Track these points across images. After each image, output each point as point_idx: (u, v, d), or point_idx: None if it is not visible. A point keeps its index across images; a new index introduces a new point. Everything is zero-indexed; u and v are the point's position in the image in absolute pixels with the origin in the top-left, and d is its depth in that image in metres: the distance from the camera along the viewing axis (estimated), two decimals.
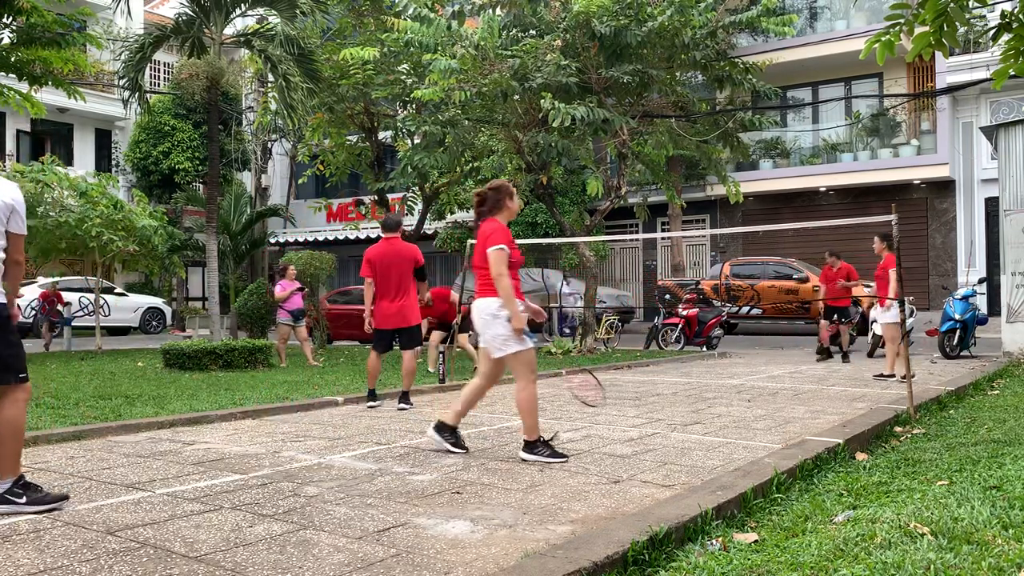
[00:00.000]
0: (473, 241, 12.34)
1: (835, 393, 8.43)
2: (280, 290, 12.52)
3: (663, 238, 23.69)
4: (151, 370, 11.12)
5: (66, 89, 14.05)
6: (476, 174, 16.70)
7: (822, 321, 12.81)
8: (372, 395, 7.74)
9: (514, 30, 13.82)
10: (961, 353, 12.45)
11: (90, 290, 19.18)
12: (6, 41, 13.14)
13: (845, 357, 12.39)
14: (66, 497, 4.01)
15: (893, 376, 9.51)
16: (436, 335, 11.07)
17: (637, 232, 23.79)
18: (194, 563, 3.13)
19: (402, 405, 7.54)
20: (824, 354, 12.62)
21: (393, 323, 7.57)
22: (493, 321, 4.97)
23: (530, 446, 5.03)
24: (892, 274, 9.52)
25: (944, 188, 20.64)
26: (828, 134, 21.97)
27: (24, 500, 3.83)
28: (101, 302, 18.90)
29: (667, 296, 17.80)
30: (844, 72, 21.42)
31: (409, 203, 17.20)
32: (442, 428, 5.35)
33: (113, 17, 17.67)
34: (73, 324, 17.76)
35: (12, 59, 13.29)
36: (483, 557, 3.18)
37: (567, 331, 16.98)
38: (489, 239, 4.96)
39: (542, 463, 4.91)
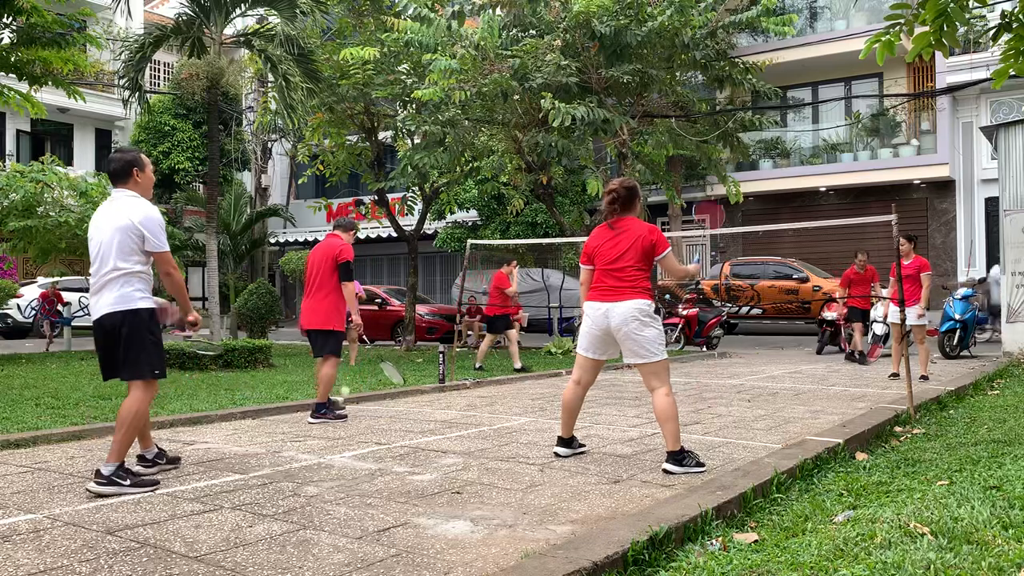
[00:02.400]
0: (474, 241, 12.36)
1: (835, 393, 8.43)
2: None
3: None
4: None
5: (66, 89, 14.04)
6: (476, 174, 16.72)
7: (856, 325, 12.11)
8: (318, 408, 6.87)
9: (514, 30, 13.81)
10: (961, 353, 12.45)
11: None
12: (6, 41, 13.13)
13: (862, 358, 11.97)
14: (157, 482, 4.43)
15: (926, 378, 9.22)
16: (512, 332, 11.45)
17: None
18: (194, 563, 3.14)
19: (311, 419, 6.74)
20: (858, 358, 11.99)
21: (305, 322, 6.86)
22: (649, 324, 4.75)
23: (676, 457, 4.68)
24: (925, 278, 9.44)
25: (944, 188, 20.63)
26: (828, 134, 21.97)
27: (128, 483, 4.29)
28: None
29: (667, 296, 17.80)
30: (844, 72, 21.42)
31: (409, 203, 17.19)
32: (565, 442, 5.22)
33: (113, 17, 17.67)
34: (73, 324, 17.75)
35: (12, 59, 13.27)
36: (483, 557, 3.18)
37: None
38: (659, 243, 4.82)
39: (690, 474, 4.62)
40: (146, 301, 4.45)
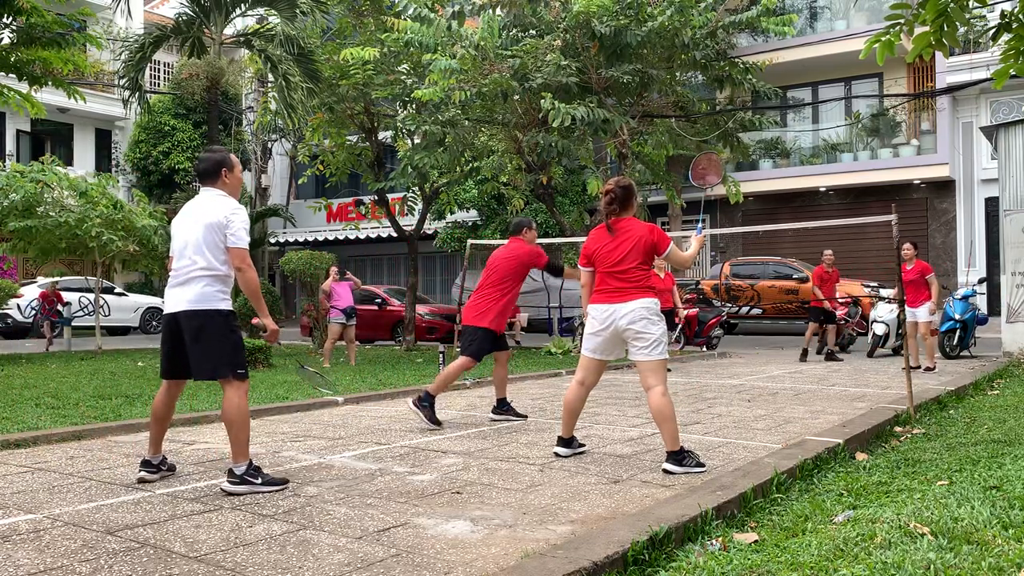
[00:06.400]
0: (475, 241, 12.36)
1: (835, 393, 8.43)
2: (336, 297, 12.21)
3: None
4: (151, 370, 11.11)
5: (66, 89, 14.03)
6: (476, 174, 16.72)
7: (811, 324, 13.01)
8: None
9: (514, 30, 13.81)
10: (961, 353, 12.45)
11: (90, 290, 19.14)
12: (6, 41, 13.13)
13: (830, 355, 12.65)
14: (287, 480, 4.44)
15: (932, 368, 10.49)
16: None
17: None
18: (194, 563, 3.14)
19: (494, 416, 6.93)
20: (832, 357, 12.69)
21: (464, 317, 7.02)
22: (657, 321, 4.82)
23: (676, 457, 4.68)
24: (933, 279, 10.79)
25: (944, 188, 20.64)
26: (828, 134, 21.97)
27: (260, 481, 4.30)
28: (101, 302, 18.87)
29: None
30: (844, 72, 21.42)
31: (409, 203, 17.19)
32: (565, 442, 5.24)
33: (113, 17, 17.68)
34: (73, 324, 17.74)
35: (12, 59, 13.27)
36: (483, 557, 3.18)
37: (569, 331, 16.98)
38: (660, 243, 4.85)
39: (690, 474, 4.61)
40: (226, 303, 4.45)
